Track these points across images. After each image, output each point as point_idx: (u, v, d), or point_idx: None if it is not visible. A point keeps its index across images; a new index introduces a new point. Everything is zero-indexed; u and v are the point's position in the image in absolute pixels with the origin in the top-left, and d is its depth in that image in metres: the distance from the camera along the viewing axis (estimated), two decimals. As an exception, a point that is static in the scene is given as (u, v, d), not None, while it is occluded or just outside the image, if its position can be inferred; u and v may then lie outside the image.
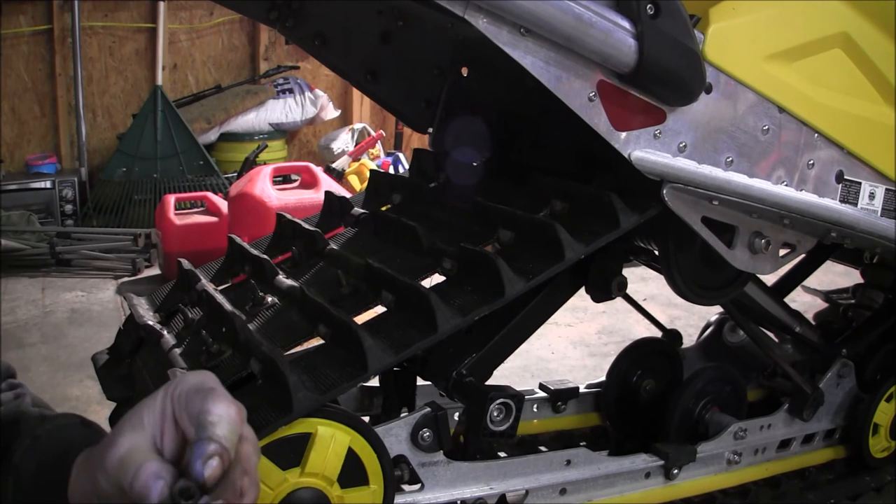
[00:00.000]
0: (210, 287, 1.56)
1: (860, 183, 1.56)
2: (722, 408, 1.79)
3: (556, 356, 3.05)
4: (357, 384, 1.27)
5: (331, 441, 1.21)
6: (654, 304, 3.02)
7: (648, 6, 1.24)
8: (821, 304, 2.37)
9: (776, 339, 1.98)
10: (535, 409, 1.86)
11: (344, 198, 1.84)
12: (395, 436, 1.33)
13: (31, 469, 0.77)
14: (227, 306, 1.43)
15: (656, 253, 1.60)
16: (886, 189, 1.59)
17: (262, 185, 3.62)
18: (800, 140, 1.46)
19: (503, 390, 1.36)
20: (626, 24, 1.23)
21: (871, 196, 1.58)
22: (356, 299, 1.44)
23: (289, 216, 1.78)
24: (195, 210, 4.07)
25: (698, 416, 1.78)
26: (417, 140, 5.33)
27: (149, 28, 5.12)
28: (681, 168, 1.36)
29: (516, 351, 1.50)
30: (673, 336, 2.01)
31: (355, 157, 5.06)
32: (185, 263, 1.69)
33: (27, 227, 4.33)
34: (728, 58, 1.36)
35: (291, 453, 1.20)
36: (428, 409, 1.36)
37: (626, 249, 1.65)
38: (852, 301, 2.19)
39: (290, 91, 5.33)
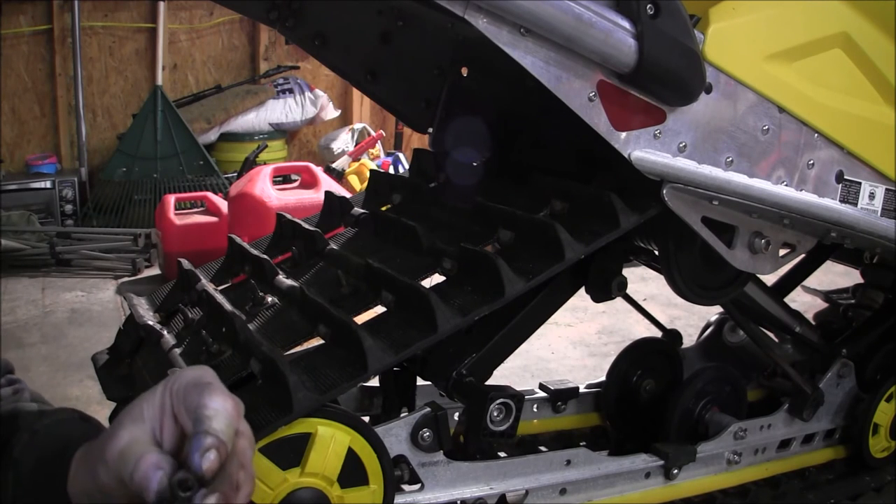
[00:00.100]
0: (210, 287, 1.56)
1: (860, 183, 1.56)
2: (722, 408, 1.79)
3: (556, 356, 3.05)
4: (357, 384, 1.27)
5: (331, 441, 1.21)
6: (654, 304, 3.02)
7: (648, 6, 1.24)
8: (821, 304, 2.37)
9: (776, 339, 1.98)
10: (535, 409, 1.86)
11: (344, 198, 1.84)
12: (395, 436, 1.33)
13: (30, 464, 0.77)
14: (227, 306, 1.43)
15: (656, 253, 1.60)
16: (886, 189, 1.59)
17: (262, 185, 3.62)
18: (800, 140, 1.46)
19: (503, 390, 1.36)
20: (626, 24, 1.23)
21: (871, 196, 1.58)
22: (356, 299, 1.44)
23: (289, 216, 1.78)
24: (195, 210, 4.07)
25: (698, 416, 1.78)
26: (417, 140, 5.33)
27: (149, 28, 5.12)
28: (681, 168, 1.36)
29: (516, 351, 1.50)
30: (673, 336, 2.01)
31: (355, 157, 5.06)
32: (185, 263, 1.69)
33: (27, 227, 4.33)
34: (728, 58, 1.36)
35: (291, 453, 1.20)
36: (428, 409, 1.36)
37: (626, 249, 1.65)
38: (852, 301, 2.19)
39: (290, 91, 5.33)
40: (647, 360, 1.91)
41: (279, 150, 5.32)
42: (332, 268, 1.56)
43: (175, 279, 1.72)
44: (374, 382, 1.67)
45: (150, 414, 0.71)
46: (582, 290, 1.51)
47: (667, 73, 1.28)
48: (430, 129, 1.86)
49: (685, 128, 1.36)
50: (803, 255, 1.84)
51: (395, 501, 1.31)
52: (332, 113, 5.53)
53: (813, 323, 2.05)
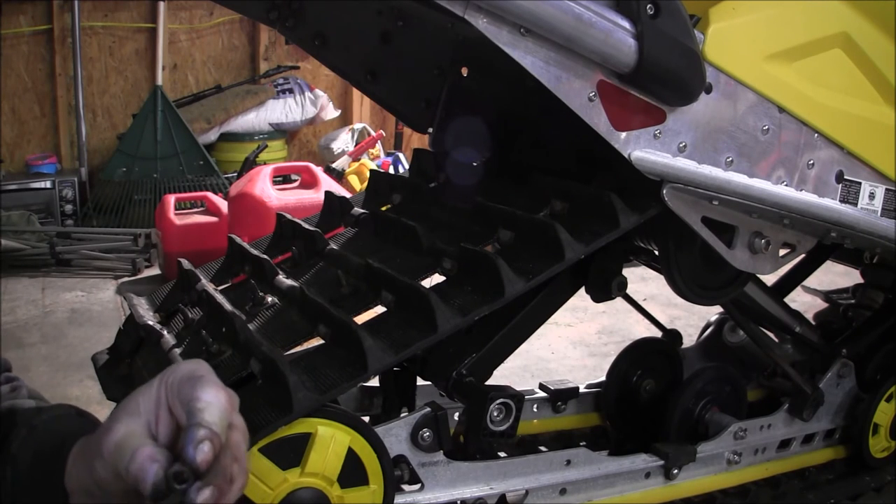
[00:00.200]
0: (210, 287, 1.56)
1: (860, 183, 1.56)
2: (722, 408, 1.79)
3: (556, 356, 3.05)
4: (357, 384, 1.27)
5: (331, 441, 1.21)
6: (654, 304, 3.02)
7: (648, 6, 1.23)
8: (821, 304, 2.37)
9: (776, 339, 1.98)
10: (535, 409, 1.86)
11: (344, 198, 1.84)
12: (395, 436, 1.33)
13: (27, 459, 0.78)
14: (227, 306, 1.43)
15: (656, 253, 1.60)
16: (886, 189, 1.59)
17: (262, 185, 3.62)
18: (800, 140, 1.46)
19: (503, 390, 1.36)
20: (626, 24, 1.23)
21: (871, 196, 1.58)
22: (356, 299, 1.44)
23: (289, 216, 1.78)
24: (195, 210, 4.07)
25: (698, 416, 1.78)
26: (417, 140, 5.33)
27: (149, 28, 5.12)
28: (681, 168, 1.36)
29: (516, 351, 1.50)
30: (673, 336, 2.01)
31: (355, 157, 5.06)
32: (185, 263, 1.69)
33: (27, 227, 4.33)
34: (728, 58, 1.36)
35: (291, 453, 1.20)
36: (428, 409, 1.36)
37: (626, 249, 1.65)
38: (852, 301, 2.19)
39: (290, 91, 5.33)
40: (647, 360, 1.91)
41: (279, 150, 5.33)
42: (332, 268, 1.55)
43: (175, 279, 1.72)
44: (374, 382, 1.67)
45: (145, 407, 0.72)
46: (582, 290, 1.51)
47: (667, 73, 1.28)
48: (430, 129, 1.86)
49: (685, 128, 1.36)
50: (803, 255, 1.84)
51: (395, 501, 1.31)
52: (332, 113, 5.53)
53: (813, 323, 2.05)
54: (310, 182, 3.85)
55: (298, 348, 1.36)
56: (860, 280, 2.17)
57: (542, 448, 1.81)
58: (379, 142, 5.29)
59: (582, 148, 1.54)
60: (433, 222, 1.59)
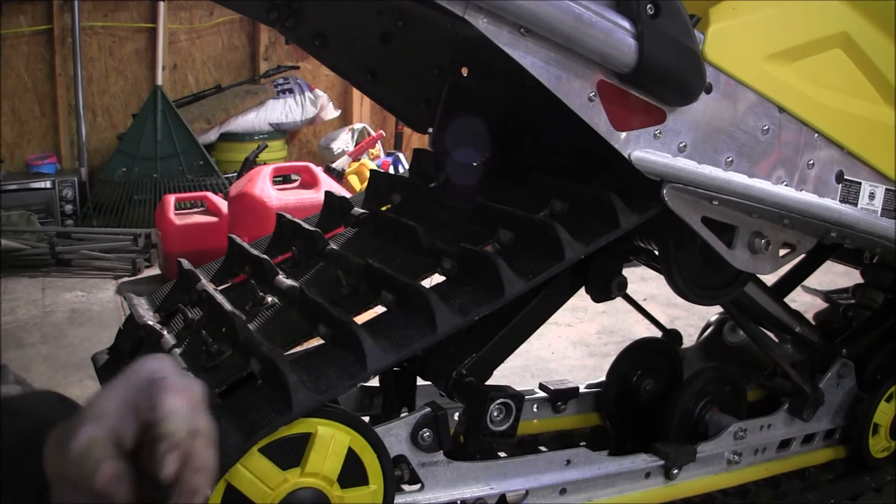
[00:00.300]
0: (210, 287, 1.56)
1: (860, 183, 1.56)
2: (722, 408, 1.79)
3: (556, 356, 3.05)
4: (357, 384, 1.27)
5: (331, 441, 1.21)
6: (654, 304, 3.02)
7: (648, 6, 1.23)
8: (821, 304, 2.37)
9: (776, 339, 1.98)
10: (535, 409, 1.86)
11: (344, 198, 1.84)
12: (395, 436, 1.33)
13: (10, 444, 0.78)
14: (227, 306, 1.43)
15: (656, 253, 1.60)
16: (886, 189, 1.59)
17: (262, 185, 3.62)
18: (800, 140, 1.46)
19: (503, 390, 1.36)
20: (626, 24, 1.23)
21: (871, 196, 1.58)
22: (356, 299, 1.44)
23: (289, 216, 1.78)
24: (195, 210, 4.07)
25: (698, 416, 1.78)
26: (417, 140, 5.33)
27: (149, 28, 5.12)
28: (681, 168, 1.36)
29: (516, 351, 1.50)
30: (673, 336, 2.01)
31: (355, 157, 5.06)
32: (185, 263, 1.69)
33: (27, 227, 4.33)
34: (728, 58, 1.36)
35: (291, 453, 1.20)
36: (428, 409, 1.36)
37: (626, 249, 1.65)
38: (852, 301, 2.19)
39: (290, 91, 5.33)
40: (647, 360, 1.91)
41: (279, 150, 5.32)
42: (332, 268, 1.55)
43: (175, 279, 1.72)
44: (374, 382, 1.67)
45: (110, 410, 0.71)
46: (582, 290, 1.51)
47: (667, 73, 1.28)
48: (430, 129, 1.86)
49: (685, 128, 1.36)
50: (803, 255, 1.84)
51: (395, 501, 1.31)
52: (332, 113, 5.53)
53: (813, 323, 2.05)
54: (310, 182, 3.85)
55: (298, 348, 1.36)
56: (860, 280, 2.17)
57: (542, 448, 1.81)
58: (379, 142, 5.28)
59: (582, 148, 1.54)
60: (433, 222, 1.59)
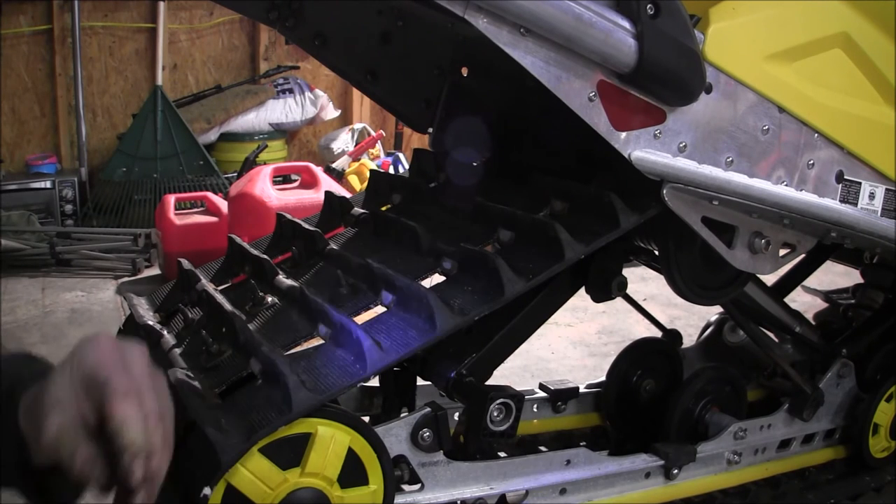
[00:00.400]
0: (210, 287, 1.56)
1: (860, 183, 1.56)
2: (722, 408, 1.79)
3: (556, 356, 3.05)
4: (357, 384, 1.27)
5: (331, 441, 1.21)
6: (654, 304, 3.02)
7: (648, 6, 1.23)
8: (821, 304, 2.37)
9: (776, 339, 1.98)
10: (535, 409, 1.85)
11: (344, 198, 1.84)
12: (395, 436, 1.33)
13: None
14: (227, 306, 1.43)
15: (656, 253, 1.60)
16: (886, 189, 1.59)
17: (262, 185, 3.62)
18: (800, 140, 1.46)
19: (503, 390, 1.36)
20: (626, 24, 1.23)
21: (871, 196, 1.58)
22: (356, 299, 1.44)
23: (289, 216, 1.78)
24: (195, 210, 4.07)
25: (698, 416, 1.78)
26: (417, 140, 5.33)
27: (149, 28, 5.12)
28: (681, 168, 1.36)
29: (516, 351, 1.50)
30: (673, 336, 2.01)
31: (355, 157, 5.06)
32: (185, 263, 1.69)
33: (27, 227, 4.33)
34: (728, 58, 1.36)
35: (291, 453, 1.19)
36: (428, 409, 1.36)
37: (626, 249, 1.65)
38: (852, 301, 2.19)
39: (290, 91, 5.33)
40: (647, 360, 1.91)
41: (279, 150, 5.32)
42: (332, 268, 1.55)
43: (175, 279, 1.72)
44: (374, 382, 1.67)
45: (67, 398, 0.75)
46: (582, 290, 1.51)
47: (667, 73, 1.28)
48: (430, 129, 1.86)
49: (685, 128, 1.36)
50: (803, 255, 1.84)
51: (395, 501, 1.31)
52: (332, 113, 5.53)
53: (813, 323, 2.05)
54: (310, 182, 3.85)
55: (298, 348, 1.36)
56: (860, 280, 2.17)
57: (542, 448, 1.81)
58: (379, 142, 5.29)
59: (582, 148, 1.54)
60: (433, 222, 1.59)
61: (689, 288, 1.55)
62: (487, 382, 1.43)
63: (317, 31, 1.69)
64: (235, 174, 4.65)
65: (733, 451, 1.73)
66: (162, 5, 5.02)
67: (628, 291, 1.55)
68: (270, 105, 5.25)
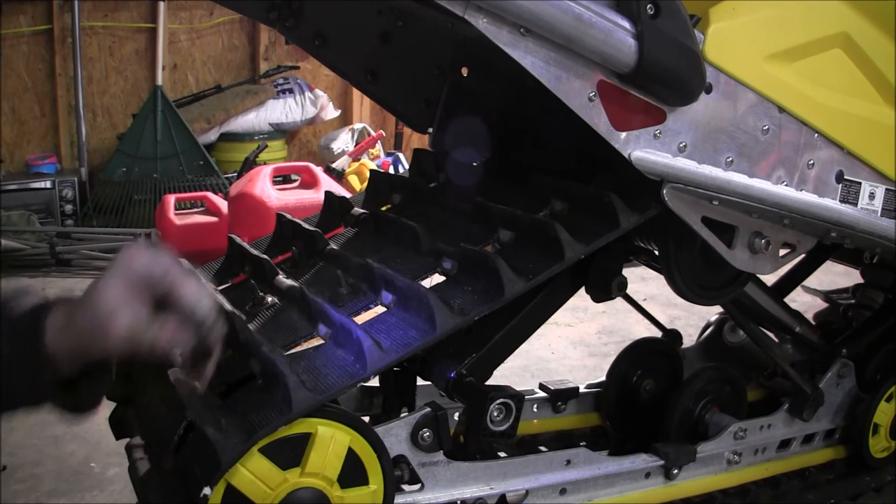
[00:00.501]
0: (210, 287, 1.56)
1: (860, 183, 1.56)
2: (722, 408, 1.79)
3: (556, 356, 3.05)
4: (357, 384, 1.27)
5: (331, 441, 1.21)
6: (654, 304, 3.02)
7: (648, 6, 1.23)
8: (821, 304, 2.37)
9: (776, 339, 1.98)
10: (535, 409, 1.85)
11: (344, 198, 1.84)
12: (395, 436, 1.33)
13: (6, 329, 0.91)
14: (227, 306, 1.43)
15: (656, 253, 1.60)
16: (886, 189, 1.59)
17: (262, 185, 3.62)
18: (800, 140, 1.46)
19: (503, 390, 1.36)
20: (626, 24, 1.23)
21: (871, 196, 1.58)
22: (356, 299, 1.44)
23: (289, 216, 1.78)
24: (195, 210, 4.07)
25: (698, 416, 1.78)
26: (417, 140, 5.33)
27: (149, 28, 5.12)
28: (681, 168, 1.36)
29: (516, 351, 1.50)
30: (673, 336, 2.01)
31: (355, 157, 5.06)
32: (185, 263, 1.69)
33: (27, 227, 4.33)
34: (728, 58, 1.36)
35: (291, 453, 1.19)
36: (428, 409, 1.36)
37: (626, 249, 1.65)
38: (852, 301, 2.19)
39: (290, 91, 5.33)
40: (647, 360, 1.91)
41: (279, 150, 5.33)
42: (332, 268, 1.55)
43: (175, 279, 1.72)
44: (375, 382, 1.67)
45: (127, 297, 0.88)
46: (582, 290, 1.51)
47: (667, 73, 1.28)
48: (430, 129, 1.86)
49: (685, 128, 1.36)
50: (803, 255, 1.84)
51: (395, 501, 1.31)
52: (332, 113, 5.53)
53: (813, 323, 2.05)
54: (310, 182, 3.85)
55: (298, 348, 1.36)
56: (860, 280, 2.17)
57: (542, 448, 1.81)
58: (379, 142, 5.29)
59: (582, 148, 1.54)
60: (433, 222, 1.59)
61: (689, 288, 1.55)
62: (487, 382, 1.43)
63: (317, 31, 1.69)
64: (235, 174, 4.65)
65: (733, 451, 1.73)
66: (162, 5, 5.02)
67: (628, 291, 1.55)
68: (270, 105, 5.25)
